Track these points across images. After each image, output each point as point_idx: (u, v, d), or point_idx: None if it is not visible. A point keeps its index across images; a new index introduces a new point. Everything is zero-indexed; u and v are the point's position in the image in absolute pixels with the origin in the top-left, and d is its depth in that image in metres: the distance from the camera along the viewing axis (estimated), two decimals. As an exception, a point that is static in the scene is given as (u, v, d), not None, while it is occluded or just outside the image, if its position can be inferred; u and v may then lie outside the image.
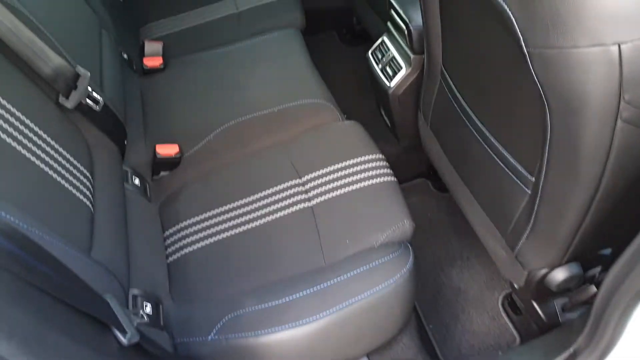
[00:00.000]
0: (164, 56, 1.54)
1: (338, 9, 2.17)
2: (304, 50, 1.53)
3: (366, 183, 1.13)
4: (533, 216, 0.95)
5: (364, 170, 1.16)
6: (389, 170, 1.17)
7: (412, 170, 1.66)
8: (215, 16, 1.69)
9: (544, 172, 0.86)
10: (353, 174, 1.16)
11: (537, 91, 0.74)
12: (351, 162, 1.18)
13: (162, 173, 1.29)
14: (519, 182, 0.96)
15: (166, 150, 1.26)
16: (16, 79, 0.91)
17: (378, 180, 1.14)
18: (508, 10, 0.71)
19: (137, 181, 1.21)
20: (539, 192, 0.90)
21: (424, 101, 1.29)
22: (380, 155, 1.20)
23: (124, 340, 0.73)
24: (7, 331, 0.53)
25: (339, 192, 1.13)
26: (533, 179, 0.91)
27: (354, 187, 1.13)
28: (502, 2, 0.72)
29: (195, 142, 1.29)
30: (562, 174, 0.81)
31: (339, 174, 1.16)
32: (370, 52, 1.49)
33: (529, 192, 0.94)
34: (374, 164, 1.17)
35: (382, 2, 1.54)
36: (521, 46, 0.72)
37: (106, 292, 0.78)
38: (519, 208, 0.99)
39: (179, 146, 1.27)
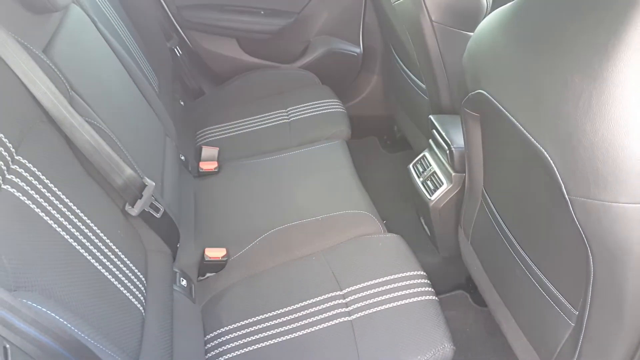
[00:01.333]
0: (218, 159, 1.65)
1: (379, 117, 2.31)
2: (349, 162, 1.62)
3: (407, 301, 1.15)
4: (577, 351, 0.93)
5: (405, 287, 1.18)
6: (430, 289, 1.19)
7: (451, 282, 1.67)
8: (267, 124, 1.82)
9: (587, 309, 0.85)
10: (394, 290, 1.17)
11: (579, 235, 0.76)
12: (392, 277, 1.20)
13: (208, 274, 1.34)
14: (561, 312, 0.95)
15: (214, 253, 1.32)
16: (90, 188, 1.00)
17: (419, 298, 1.15)
18: (550, 159, 0.76)
19: (184, 282, 1.26)
20: (583, 328, 0.89)
21: (465, 217, 1.33)
22: (422, 272, 1.22)
23: None
24: None
25: (379, 308, 1.14)
26: (576, 313, 0.91)
27: (395, 304, 1.14)
28: (544, 150, 0.77)
29: (241, 245, 1.35)
30: (607, 316, 0.81)
31: (380, 288, 1.18)
32: (411, 165, 1.57)
33: (573, 324, 0.93)
34: (415, 281, 1.19)
35: (423, 117, 1.64)
36: (562, 192, 0.75)
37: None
38: (563, 339, 0.97)
39: (226, 250, 1.34)
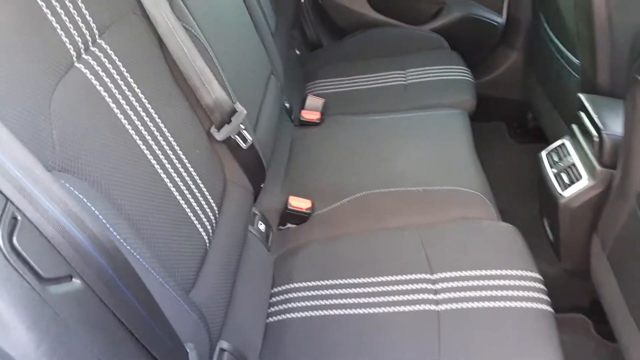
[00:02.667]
0: (322, 112, 1.53)
1: (512, 101, 2.02)
2: (468, 135, 1.40)
3: (513, 304, 0.93)
4: None
5: (514, 288, 0.96)
6: (545, 297, 0.95)
7: (571, 301, 1.37)
8: (381, 84, 1.65)
9: None
10: (498, 287, 0.96)
11: None
12: (499, 272, 0.99)
13: (289, 225, 1.22)
14: None
15: (299, 203, 1.20)
16: (173, 96, 0.92)
17: (529, 305, 0.93)
18: None
19: (262, 227, 1.16)
20: None
21: (605, 224, 1.06)
22: (538, 275, 0.99)
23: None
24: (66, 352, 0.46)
25: (475, 304, 0.94)
26: None
27: (497, 304, 0.93)
28: None
29: (328, 202, 1.22)
30: None
31: (481, 282, 0.98)
32: (545, 152, 1.30)
33: None
34: (527, 283, 0.97)
35: (569, 100, 1.36)
36: None
37: (190, 340, 0.70)
38: None
39: (311, 202, 1.21)
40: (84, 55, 0.70)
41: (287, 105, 1.54)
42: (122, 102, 0.73)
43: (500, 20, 1.90)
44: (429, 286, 1.00)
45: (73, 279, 0.50)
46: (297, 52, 1.89)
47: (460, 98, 1.55)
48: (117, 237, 0.61)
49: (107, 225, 0.60)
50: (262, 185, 1.17)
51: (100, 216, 0.59)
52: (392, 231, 1.16)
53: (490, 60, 2.00)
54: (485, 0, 1.90)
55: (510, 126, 2.08)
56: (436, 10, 1.96)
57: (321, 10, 2.05)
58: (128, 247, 0.62)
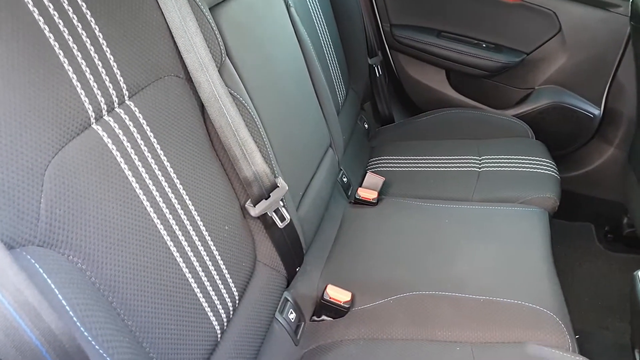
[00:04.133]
0: (380, 192, 1.41)
1: (605, 201, 1.78)
2: (546, 240, 1.20)
3: None
4: None
5: None
6: None
7: None
8: (451, 168, 1.52)
9: None
10: None
11: None
12: None
13: (324, 317, 1.09)
14: None
15: (337, 294, 1.06)
16: (211, 171, 0.85)
17: None
18: None
19: (292, 316, 1.04)
20: None
21: None
22: None
23: None
24: None
25: None
26: None
27: None
28: None
29: (371, 297, 1.07)
30: None
31: None
32: (640, 271, 1.08)
33: None
34: None
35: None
36: None
37: None
38: None
39: (352, 295, 1.07)
40: (105, 117, 0.64)
41: (344, 179, 1.45)
42: (141, 169, 0.67)
43: (597, 112, 1.72)
44: None
45: None
46: (366, 125, 1.81)
47: (541, 195, 1.37)
48: (85, 333, 0.51)
49: (74, 318, 0.51)
50: (297, 269, 1.06)
51: (67, 306, 0.50)
52: (441, 344, 0.98)
53: (581, 155, 1.80)
54: (581, 89, 1.73)
55: (600, 230, 1.82)
56: (523, 96, 1.82)
57: (397, 85, 1.99)
58: (97, 347, 0.52)
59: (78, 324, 0.51)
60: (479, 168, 1.50)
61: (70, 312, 0.50)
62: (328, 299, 1.06)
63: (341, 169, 1.44)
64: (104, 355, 0.53)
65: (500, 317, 1.00)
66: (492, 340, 0.97)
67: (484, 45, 1.78)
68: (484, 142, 1.63)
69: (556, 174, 1.47)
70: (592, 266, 1.66)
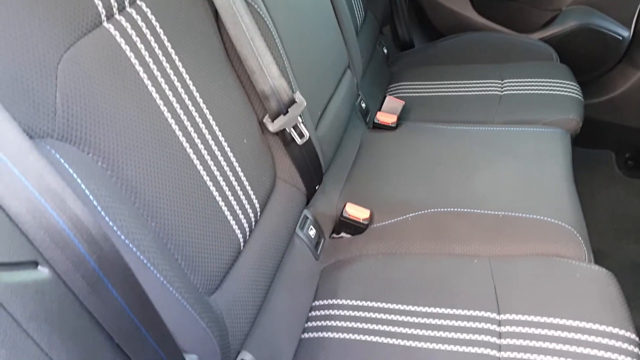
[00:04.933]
0: (400, 116, 1.39)
1: (627, 128, 1.74)
2: (567, 159, 1.19)
3: (597, 368, 0.75)
4: None
5: (600, 347, 0.77)
6: (641, 365, 0.76)
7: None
8: (472, 92, 1.49)
9: None
10: (579, 343, 0.78)
11: None
12: (583, 325, 0.80)
13: (343, 234, 1.11)
14: None
15: (356, 212, 1.08)
16: (226, 82, 0.84)
17: (618, 372, 0.74)
18: None
19: (312, 232, 1.06)
20: None
21: None
22: (633, 336, 0.79)
23: None
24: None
25: (546, 357, 0.77)
26: None
27: (575, 364, 0.75)
28: None
29: (390, 215, 1.08)
30: None
31: (557, 333, 0.80)
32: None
33: None
34: (618, 344, 0.77)
35: None
36: None
37: (194, 351, 0.61)
38: None
39: (370, 213, 1.08)
40: (116, 16, 0.63)
41: (363, 105, 1.43)
42: (156, 72, 0.66)
43: (626, 33, 1.65)
44: (493, 327, 0.84)
45: (39, 267, 0.42)
46: (385, 50, 1.77)
47: (564, 116, 1.34)
48: (109, 223, 0.52)
49: (98, 207, 0.51)
50: (317, 187, 1.07)
51: (90, 196, 0.51)
52: (458, 258, 1.00)
53: (606, 80, 1.75)
54: (611, 10, 1.65)
55: (621, 157, 1.79)
56: (549, 18, 1.75)
57: (418, 9, 1.91)
58: (122, 237, 0.53)
59: (102, 213, 0.52)
60: (501, 91, 1.47)
61: (94, 202, 0.51)
62: (347, 216, 1.08)
63: (359, 94, 1.42)
64: (130, 246, 0.54)
65: (519, 232, 1.01)
66: (510, 253, 0.99)
67: (510, -36, 1.69)
68: (507, 65, 1.58)
69: (580, 96, 1.43)
70: (610, 192, 1.65)
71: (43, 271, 0.42)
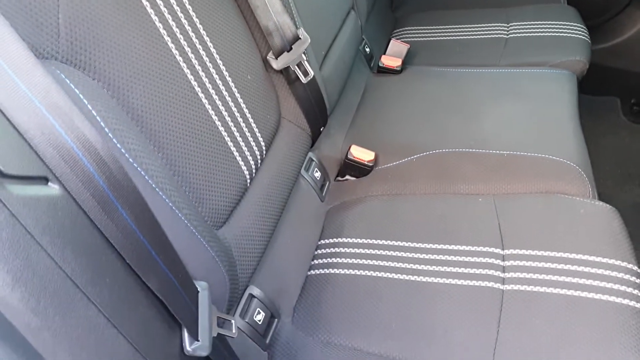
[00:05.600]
0: (405, 60, 1.37)
1: (633, 74, 1.72)
2: (573, 100, 1.18)
3: (597, 296, 0.76)
4: None
5: (602, 278, 0.78)
6: (641, 294, 0.77)
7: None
8: (477, 36, 1.46)
9: None
10: (582, 275, 0.79)
11: None
12: (586, 258, 0.82)
13: (348, 177, 1.11)
14: None
15: (361, 154, 1.08)
16: (229, 16, 0.82)
17: (620, 301, 0.75)
18: None
19: (317, 174, 1.06)
20: None
21: None
22: (635, 268, 0.80)
23: (188, 348, 0.56)
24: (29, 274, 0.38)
25: (550, 289, 0.78)
26: None
27: (576, 293, 0.77)
28: None
29: (395, 157, 1.08)
30: None
31: (561, 266, 0.81)
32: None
33: None
34: (620, 275, 0.79)
35: None
36: None
37: (203, 279, 0.62)
38: None
39: (375, 155, 1.08)
40: None
41: (367, 50, 1.40)
42: (159, 1, 0.65)
43: (636, -26, 1.60)
44: (497, 262, 0.85)
45: (49, 183, 0.42)
46: (390, -5, 1.72)
47: (570, 58, 1.32)
48: (117, 145, 0.52)
49: (105, 128, 0.51)
50: (321, 129, 1.06)
51: (97, 117, 0.51)
52: (463, 196, 1.01)
53: (613, 25, 1.71)
54: (619, -51, 1.60)
55: (626, 103, 1.77)
56: (556, -42, 1.69)
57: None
58: (130, 160, 0.53)
59: (110, 135, 0.51)
60: (507, 35, 1.44)
61: (102, 123, 0.51)
62: (352, 158, 1.08)
63: (364, 38, 1.40)
64: (139, 169, 0.54)
65: (523, 170, 1.01)
66: (514, 191, 0.99)
67: None
68: (513, 9, 1.54)
69: (587, 37, 1.41)
70: (615, 138, 1.65)
71: (54, 187, 0.42)
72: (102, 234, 0.46)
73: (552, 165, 1.00)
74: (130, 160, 0.53)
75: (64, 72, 0.50)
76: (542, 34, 1.41)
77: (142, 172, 0.54)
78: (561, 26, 1.43)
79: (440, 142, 1.10)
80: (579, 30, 1.42)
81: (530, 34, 1.42)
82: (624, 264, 0.81)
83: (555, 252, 0.84)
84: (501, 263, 0.85)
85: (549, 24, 1.44)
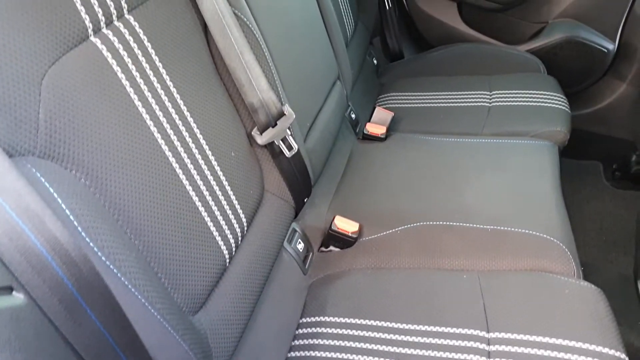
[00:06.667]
0: (389, 127, 1.39)
1: (614, 139, 1.76)
2: (555, 172, 1.19)
3: (585, 387, 0.74)
4: None
5: (589, 367, 0.76)
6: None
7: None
8: (461, 104, 1.49)
9: None
10: (568, 363, 0.77)
11: None
12: (572, 344, 0.80)
13: (332, 247, 1.10)
14: None
15: (345, 225, 1.07)
16: (215, 95, 0.82)
17: (607, 393, 0.73)
18: None
19: (300, 246, 1.05)
20: None
21: None
22: (624, 356, 0.79)
23: None
24: None
25: (536, 379, 0.76)
26: None
27: (564, 385, 0.75)
28: None
29: (379, 228, 1.08)
30: None
31: (547, 353, 0.79)
32: (649, 203, 1.08)
33: None
34: (607, 364, 0.77)
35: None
36: None
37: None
38: None
39: (360, 226, 1.07)
40: (103, 30, 0.62)
41: (353, 116, 1.42)
42: (143, 87, 0.65)
43: (611, 46, 1.67)
44: (482, 346, 0.83)
45: (14, 292, 0.40)
46: (375, 61, 1.77)
47: (551, 128, 1.34)
48: (90, 244, 0.50)
49: (79, 228, 0.50)
50: (305, 200, 1.05)
51: (70, 216, 0.49)
52: (448, 272, 0.99)
53: (593, 91, 1.76)
54: (596, 23, 1.67)
55: (609, 168, 1.81)
56: (536, 30, 1.76)
57: (407, 20, 1.92)
58: (103, 258, 0.51)
59: (83, 234, 0.50)
60: (490, 103, 1.47)
61: (75, 222, 0.49)
62: (336, 229, 1.07)
63: (349, 105, 1.42)
64: (111, 267, 0.52)
65: (508, 246, 1.00)
66: (499, 268, 0.98)
67: (497, -23, 1.70)
68: (495, 77, 1.59)
69: (567, 108, 1.44)
70: (598, 203, 1.66)
71: (18, 297, 0.40)
72: (67, 340, 0.44)
73: (535, 241, 1.00)
74: (103, 258, 0.51)
75: (40, 170, 0.49)
76: (524, 103, 1.45)
77: (114, 270, 0.52)
78: (542, 96, 1.47)
79: (424, 213, 1.09)
80: (559, 101, 1.45)
81: (513, 103, 1.45)
82: (612, 351, 0.79)
83: (541, 337, 0.82)
84: (486, 348, 0.83)
85: (530, 94, 1.48)
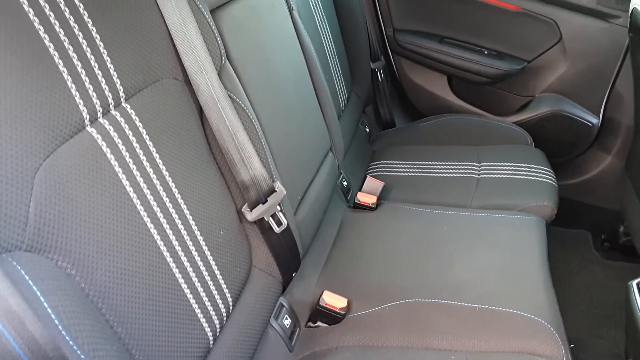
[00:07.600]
0: (380, 196, 1.41)
1: (602, 209, 1.79)
2: (543, 248, 1.20)
3: None
4: None
5: None
6: None
7: None
8: (450, 174, 1.51)
9: None
10: None
11: None
12: None
13: (319, 323, 1.08)
14: None
15: (333, 300, 1.06)
16: (208, 175, 0.84)
17: None
18: None
19: (287, 322, 1.03)
20: None
21: None
22: None
23: None
24: None
25: None
26: None
27: None
28: None
29: (367, 304, 1.07)
30: None
31: None
32: (636, 282, 1.08)
33: None
34: None
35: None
36: None
37: None
38: None
39: (348, 302, 1.07)
40: (100, 119, 0.64)
41: (344, 183, 1.44)
42: (136, 173, 0.66)
43: (596, 120, 1.72)
44: None
45: None
46: (367, 129, 1.81)
47: (539, 203, 1.36)
48: (70, 342, 0.50)
49: (60, 327, 0.49)
50: (293, 275, 1.05)
51: (52, 314, 0.49)
52: (436, 352, 0.98)
53: (579, 163, 1.81)
54: (581, 98, 1.73)
55: (597, 238, 1.82)
56: (523, 103, 1.82)
57: (399, 90, 1.98)
58: (82, 356, 0.50)
59: (63, 332, 0.50)
60: (478, 175, 1.50)
61: (56, 320, 0.49)
62: (324, 305, 1.06)
63: (341, 173, 1.44)
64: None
65: (496, 326, 1.00)
66: (487, 349, 0.97)
67: (485, 52, 1.77)
68: (484, 148, 1.63)
69: (554, 182, 1.47)
70: (588, 274, 1.66)
71: None
72: None
73: (524, 322, 0.99)
74: (82, 356, 0.51)
75: (24, 267, 0.49)
76: (511, 176, 1.47)
77: None
78: (530, 169, 1.50)
79: (413, 289, 1.09)
80: (547, 174, 1.48)
81: (501, 176, 1.48)
82: None
83: None
84: None
85: (518, 166, 1.51)
